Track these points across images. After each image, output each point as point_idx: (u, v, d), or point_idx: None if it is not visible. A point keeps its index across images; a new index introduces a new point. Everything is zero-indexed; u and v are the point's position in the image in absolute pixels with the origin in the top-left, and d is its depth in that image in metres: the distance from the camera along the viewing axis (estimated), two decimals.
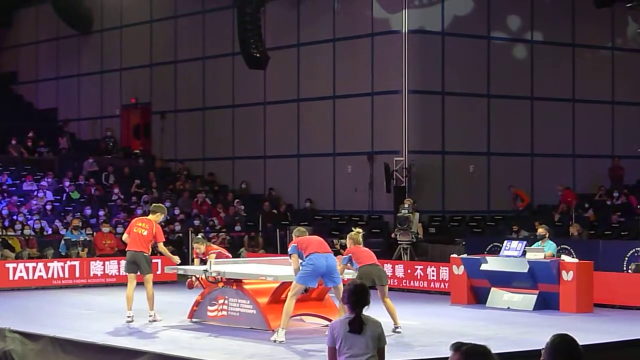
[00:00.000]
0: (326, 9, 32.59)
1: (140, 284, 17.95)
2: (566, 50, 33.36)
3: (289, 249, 15.89)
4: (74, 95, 41.08)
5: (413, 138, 30.59)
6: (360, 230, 16.99)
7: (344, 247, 26.91)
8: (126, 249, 18.03)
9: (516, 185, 31.48)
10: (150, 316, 17.73)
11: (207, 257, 17.99)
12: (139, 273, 17.72)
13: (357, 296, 7.78)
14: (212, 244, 19.92)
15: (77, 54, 41.03)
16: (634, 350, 12.27)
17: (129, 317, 17.61)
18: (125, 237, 18.31)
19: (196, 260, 18.65)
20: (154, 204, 19.54)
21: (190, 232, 29.39)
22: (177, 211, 31.54)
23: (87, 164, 34.81)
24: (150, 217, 18.02)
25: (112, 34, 39.58)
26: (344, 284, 15.54)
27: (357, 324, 7.71)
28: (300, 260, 15.49)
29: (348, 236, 16.88)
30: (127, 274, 17.89)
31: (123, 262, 25.05)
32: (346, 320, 7.77)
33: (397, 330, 16.23)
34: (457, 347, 5.93)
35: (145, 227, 17.72)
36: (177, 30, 37.39)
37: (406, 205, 26.53)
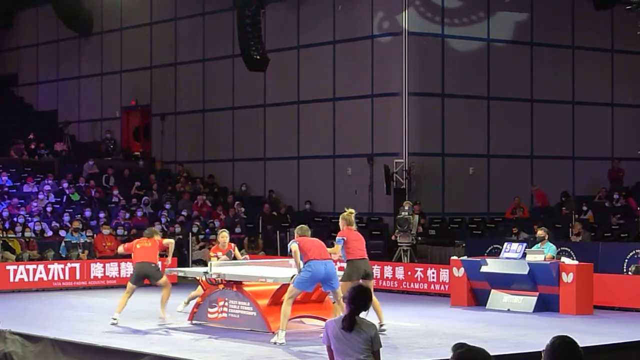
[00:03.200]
0: (326, 11, 32.60)
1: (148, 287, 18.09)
2: (566, 52, 33.38)
3: (290, 244, 15.85)
4: (74, 97, 41.09)
5: (413, 140, 30.60)
6: (353, 211, 16.80)
7: None
8: (134, 262, 18.11)
9: (516, 187, 31.48)
10: (160, 318, 17.83)
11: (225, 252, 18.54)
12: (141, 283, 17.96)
13: (360, 298, 7.79)
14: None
15: (78, 56, 41.06)
16: (634, 353, 12.28)
17: (114, 319, 17.66)
18: (120, 249, 18.66)
19: (214, 259, 18.67)
20: (147, 230, 19.56)
21: (190, 234, 29.42)
22: (184, 212, 31.53)
23: (87, 166, 34.82)
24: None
25: (112, 36, 39.61)
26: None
27: (348, 322, 7.70)
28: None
29: (341, 217, 16.73)
30: (131, 284, 17.92)
31: (123, 265, 25.29)
32: (340, 319, 7.81)
33: (382, 328, 15.92)
34: (457, 347, 5.96)
35: (149, 242, 18.09)
36: (177, 32, 37.41)
37: (406, 207, 26.54)
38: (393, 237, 27.11)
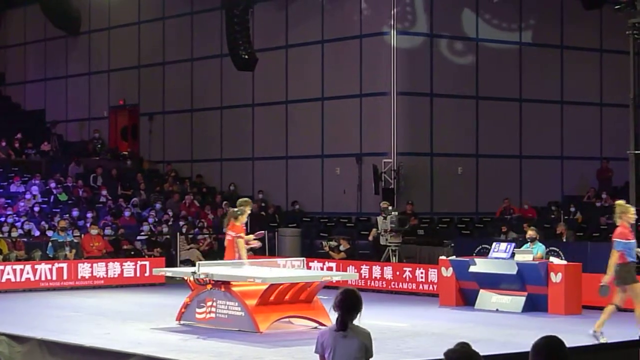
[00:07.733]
0: (315, 10, 32.58)
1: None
2: (555, 52, 33.40)
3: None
4: (61, 96, 40.97)
5: (401, 140, 30.58)
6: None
7: (332, 249, 26.94)
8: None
9: (505, 187, 31.49)
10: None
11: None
12: None
13: (348, 302, 7.67)
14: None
15: (65, 55, 40.94)
16: (621, 353, 12.27)
17: None
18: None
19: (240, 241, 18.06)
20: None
21: (178, 234, 29.34)
22: (170, 212, 31.45)
23: (72, 167, 34.64)
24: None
25: (100, 35, 39.50)
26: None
27: (340, 324, 7.54)
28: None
29: (620, 218, 16.42)
30: None
31: (111, 265, 25.19)
32: (334, 327, 7.70)
33: (597, 334, 15.62)
34: (455, 345, 5.94)
35: None
36: (165, 31, 37.33)
37: (390, 209, 26.51)
38: (370, 237, 26.98)
